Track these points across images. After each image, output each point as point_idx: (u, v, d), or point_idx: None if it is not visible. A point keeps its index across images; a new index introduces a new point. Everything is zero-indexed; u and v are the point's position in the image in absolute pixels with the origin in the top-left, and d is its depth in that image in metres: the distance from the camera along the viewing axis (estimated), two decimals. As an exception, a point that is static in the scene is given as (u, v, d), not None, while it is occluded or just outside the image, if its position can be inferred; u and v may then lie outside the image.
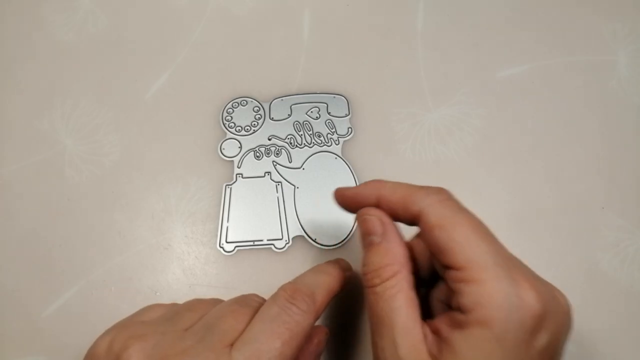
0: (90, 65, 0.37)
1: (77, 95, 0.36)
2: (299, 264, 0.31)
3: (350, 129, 0.35)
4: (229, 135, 0.34)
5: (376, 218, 0.23)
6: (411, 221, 0.22)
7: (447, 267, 0.20)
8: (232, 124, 0.35)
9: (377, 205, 0.23)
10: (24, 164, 0.34)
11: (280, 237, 0.31)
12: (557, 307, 0.20)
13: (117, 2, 0.40)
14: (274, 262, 0.31)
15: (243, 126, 0.35)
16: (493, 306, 0.19)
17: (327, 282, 0.24)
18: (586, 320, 0.30)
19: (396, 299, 0.21)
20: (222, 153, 0.34)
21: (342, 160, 0.34)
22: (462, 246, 0.20)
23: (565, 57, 0.38)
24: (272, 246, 0.31)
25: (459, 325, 0.19)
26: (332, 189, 0.32)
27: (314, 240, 0.31)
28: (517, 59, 0.38)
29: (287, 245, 0.31)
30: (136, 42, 0.38)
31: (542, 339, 0.19)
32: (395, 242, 0.22)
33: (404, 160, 0.34)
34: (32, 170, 0.33)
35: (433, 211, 0.21)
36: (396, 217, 0.23)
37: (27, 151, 0.34)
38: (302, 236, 0.31)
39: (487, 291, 0.19)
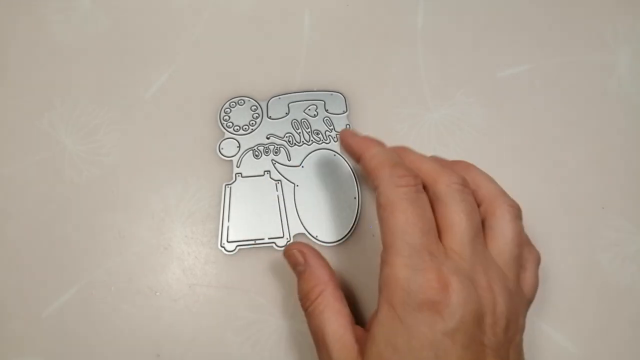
0: (89, 65, 0.37)
1: (76, 95, 0.36)
2: (299, 263, 0.31)
3: (348, 126, 0.35)
4: (227, 134, 0.34)
5: (297, 251, 0.27)
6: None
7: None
8: (230, 124, 0.35)
9: (359, 161, 0.26)
10: (23, 164, 0.34)
11: (282, 236, 0.31)
12: (466, 297, 0.21)
13: (117, 2, 0.40)
14: (275, 261, 0.31)
15: (241, 125, 0.35)
16: (396, 288, 0.21)
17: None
18: (586, 321, 0.30)
19: (325, 313, 0.24)
20: (220, 153, 0.34)
21: (341, 157, 0.34)
22: (391, 231, 0.22)
23: (565, 57, 0.38)
24: (273, 245, 0.31)
25: (376, 313, 0.22)
26: (332, 185, 0.33)
27: (315, 238, 0.31)
28: (517, 59, 0.38)
29: (289, 244, 0.31)
30: (136, 42, 0.38)
31: (445, 324, 0.20)
32: (317, 266, 0.26)
33: (404, 160, 0.34)
34: (32, 170, 0.33)
35: (384, 192, 0.23)
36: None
37: (27, 151, 0.34)
38: (304, 234, 0.31)
39: (393, 273, 0.21)
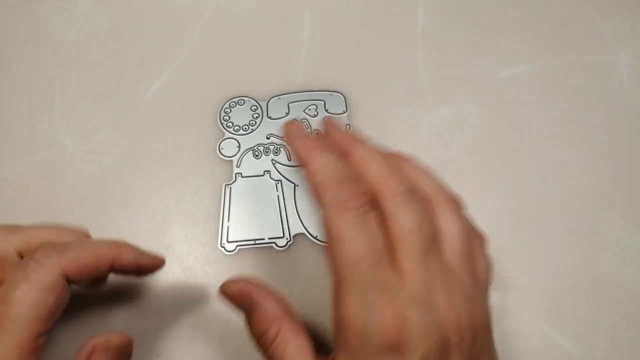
0: (89, 65, 0.37)
1: (76, 95, 0.36)
2: (300, 262, 0.31)
3: (348, 126, 0.35)
4: (227, 134, 0.34)
5: (238, 291, 0.24)
6: None
7: None
8: (230, 124, 0.35)
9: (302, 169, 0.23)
10: (23, 164, 0.34)
11: (282, 236, 0.31)
12: (426, 328, 0.19)
13: (117, 2, 0.40)
14: (275, 261, 0.31)
15: (241, 125, 0.35)
16: (349, 334, 0.19)
17: (97, 247, 0.24)
18: (586, 321, 0.30)
19: (286, 352, 0.22)
20: (220, 153, 0.34)
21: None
22: (340, 265, 0.20)
23: (565, 57, 0.38)
24: (273, 245, 0.31)
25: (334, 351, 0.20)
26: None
27: (316, 238, 0.31)
28: (517, 59, 0.38)
29: (289, 244, 0.31)
30: (136, 42, 0.38)
31: None
32: (267, 302, 0.23)
33: (404, 160, 0.34)
34: (32, 170, 0.33)
35: (329, 218, 0.21)
36: None
37: (27, 151, 0.34)
38: (304, 234, 0.31)
39: (346, 317, 0.20)
